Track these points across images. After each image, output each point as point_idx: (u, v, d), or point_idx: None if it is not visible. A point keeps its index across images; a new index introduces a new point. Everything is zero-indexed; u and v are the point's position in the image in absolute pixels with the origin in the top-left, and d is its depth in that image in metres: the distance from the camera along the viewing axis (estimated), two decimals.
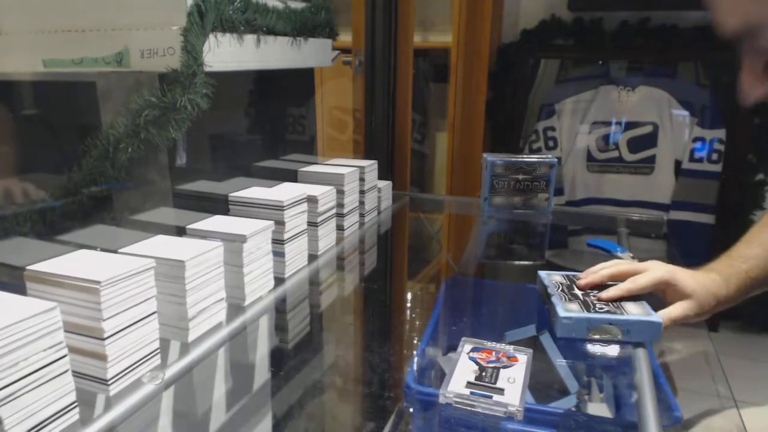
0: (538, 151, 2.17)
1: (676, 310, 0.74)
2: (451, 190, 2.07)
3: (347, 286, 1.07)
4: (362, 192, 1.21)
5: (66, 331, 0.54)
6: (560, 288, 0.81)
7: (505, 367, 0.67)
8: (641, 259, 0.87)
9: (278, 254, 0.90)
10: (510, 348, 0.72)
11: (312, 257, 1.01)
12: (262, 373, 0.75)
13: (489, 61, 2.04)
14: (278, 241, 0.89)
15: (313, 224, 1.00)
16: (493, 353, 0.70)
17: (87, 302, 0.57)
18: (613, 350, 0.95)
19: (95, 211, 0.79)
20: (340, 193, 1.10)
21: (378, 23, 1.47)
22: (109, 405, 0.58)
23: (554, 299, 0.77)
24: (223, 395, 0.68)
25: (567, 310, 0.74)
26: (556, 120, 2.16)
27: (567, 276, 0.85)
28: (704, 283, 0.74)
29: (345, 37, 1.33)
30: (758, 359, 2.15)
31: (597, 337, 0.73)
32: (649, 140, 2.10)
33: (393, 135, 1.60)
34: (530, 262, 1.24)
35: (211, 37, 0.79)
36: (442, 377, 0.68)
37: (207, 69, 0.78)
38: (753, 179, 2.02)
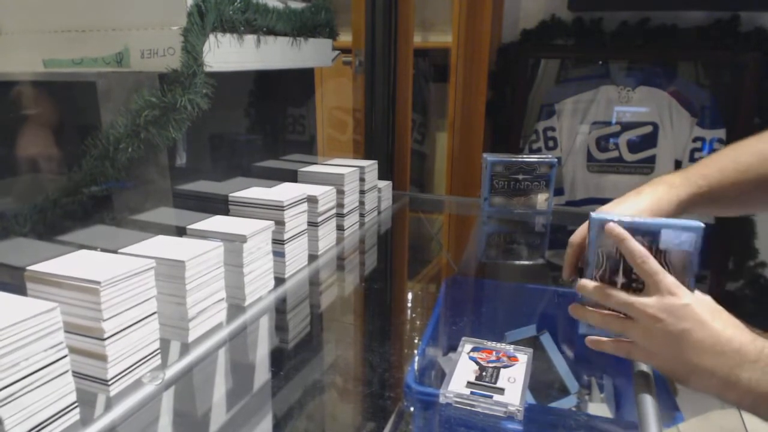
0: (538, 151, 2.17)
1: None
2: (451, 190, 2.07)
3: (347, 286, 1.07)
4: (362, 192, 1.21)
5: (66, 331, 0.54)
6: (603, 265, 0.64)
7: (505, 366, 0.67)
8: None
9: (278, 254, 0.90)
10: (510, 348, 0.71)
11: (312, 257, 1.01)
12: (262, 374, 0.75)
13: (489, 61, 2.03)
14: (278, 241, 0.89)
15: (313, 224, 1.00)
16: (494, 353, 0.70)
17: (87, 302, 0.57)
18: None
19: (95, 211, 0.79)
20: (340, 193, 1.10)
21: (378, 23, 1.47)
22: (109, 405, 0.58)
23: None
24: (224, 395, 0.68)
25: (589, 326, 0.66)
26: (556, 120, 2.16)
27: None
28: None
29: (345, 37, 1.33)
30: None
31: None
32: (649, 140, 2.10)
33: (393, 135, 1.60)
34: (530, 262, 1.24)
35: (211, 37, 0.79)
36: (442, 377, 0.68)
37: (207, 69, 0.78)
38: None
